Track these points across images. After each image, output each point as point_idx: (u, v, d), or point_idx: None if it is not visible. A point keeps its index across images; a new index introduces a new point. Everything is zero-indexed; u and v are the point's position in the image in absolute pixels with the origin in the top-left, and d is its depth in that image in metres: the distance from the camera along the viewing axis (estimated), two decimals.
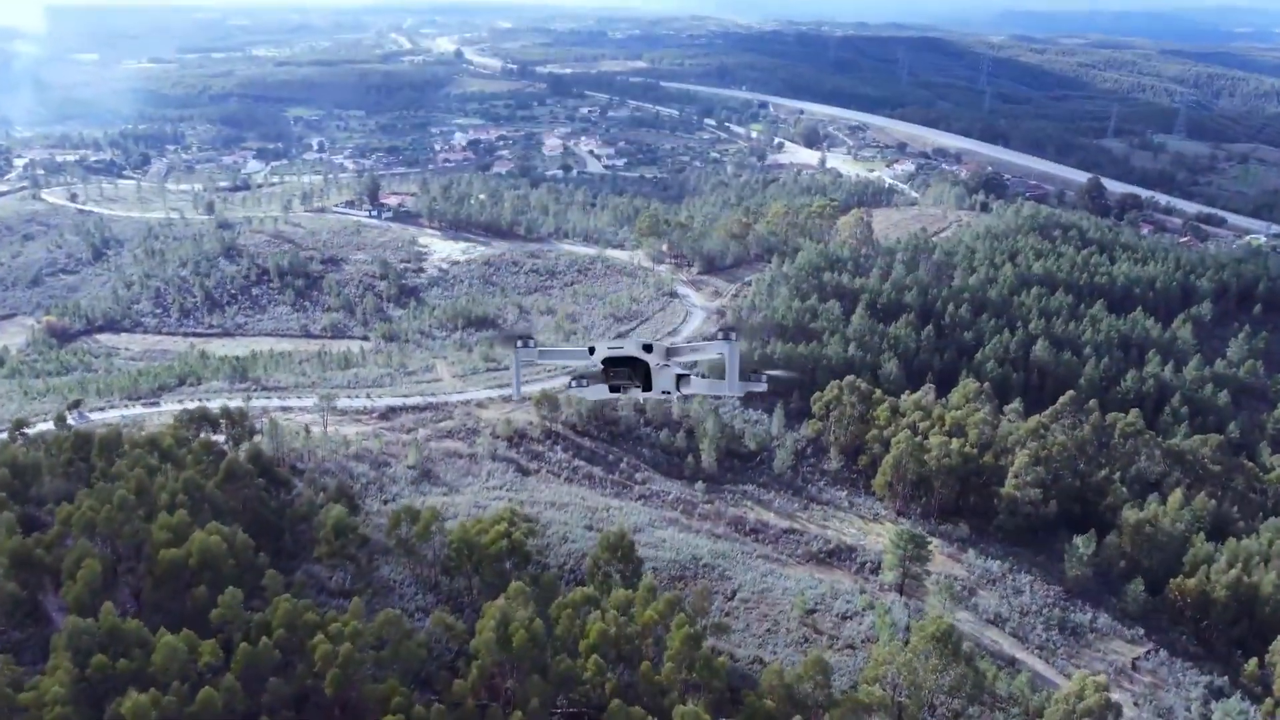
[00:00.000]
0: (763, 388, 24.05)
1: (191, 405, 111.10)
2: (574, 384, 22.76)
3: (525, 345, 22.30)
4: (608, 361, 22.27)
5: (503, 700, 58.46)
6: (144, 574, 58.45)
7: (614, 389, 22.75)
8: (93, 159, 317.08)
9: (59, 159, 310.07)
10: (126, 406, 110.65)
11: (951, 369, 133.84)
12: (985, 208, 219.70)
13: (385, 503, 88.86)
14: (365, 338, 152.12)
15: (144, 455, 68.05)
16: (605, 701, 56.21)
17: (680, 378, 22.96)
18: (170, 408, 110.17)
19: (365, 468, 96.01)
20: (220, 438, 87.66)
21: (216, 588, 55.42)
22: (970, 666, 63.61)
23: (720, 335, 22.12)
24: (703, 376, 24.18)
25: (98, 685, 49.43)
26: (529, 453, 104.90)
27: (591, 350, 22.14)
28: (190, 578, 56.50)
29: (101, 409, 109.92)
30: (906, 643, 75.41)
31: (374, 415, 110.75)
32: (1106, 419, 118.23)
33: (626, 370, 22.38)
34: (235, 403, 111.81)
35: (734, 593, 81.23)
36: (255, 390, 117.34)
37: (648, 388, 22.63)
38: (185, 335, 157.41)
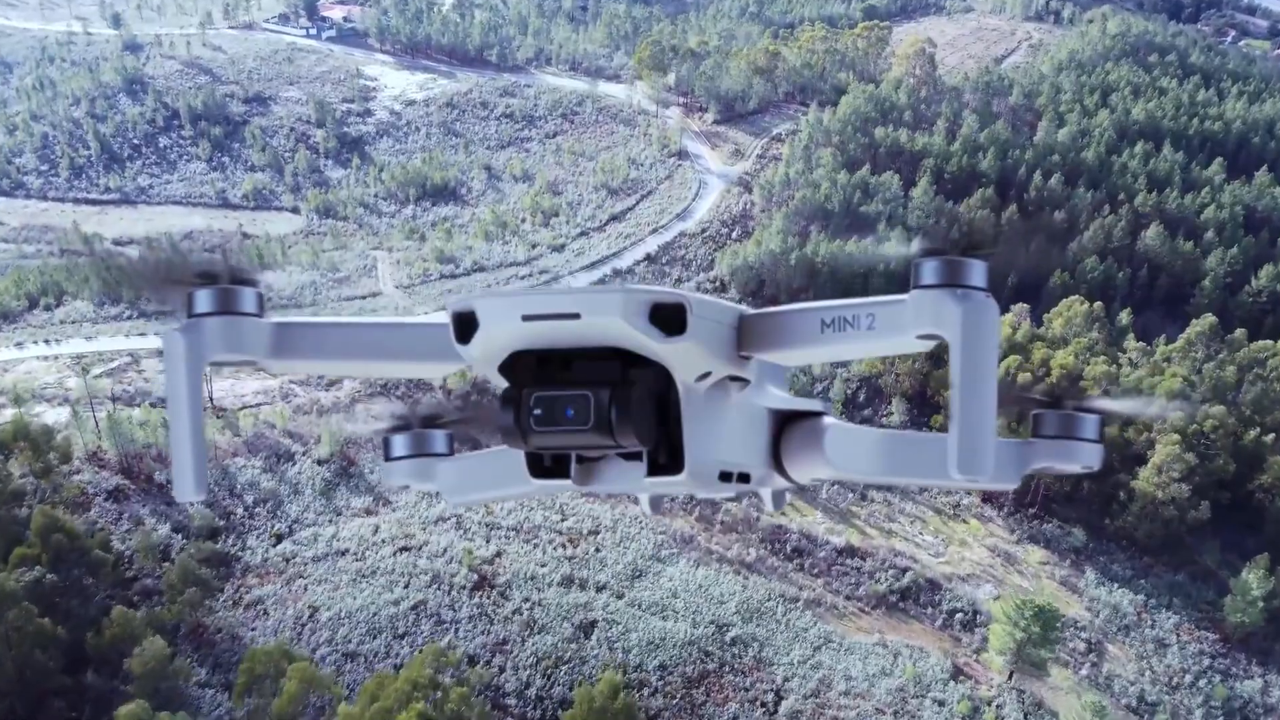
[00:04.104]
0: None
1: (39, 347, 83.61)
2: (390, 452, 3.00)
3: (206, 309, 2.39)
4: (513, 368, 2.16)
5: None
6: None
7: (540, 467, 2.37)
8: None
9: None
10: None
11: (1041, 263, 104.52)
12: (1058, 18, 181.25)
13: (277, 540, 62.67)
14: (295, 209, 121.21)
15: None
16: None
17: (793, 421, 2.70)
18: (6, 354, 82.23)
19: (257, 469, 68.97)
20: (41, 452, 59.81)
21: None
22: None
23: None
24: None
25: None
26: None
27: (465, 325, 2.15)
28: None
29: None
30: None
31: None
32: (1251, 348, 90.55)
33: (582, 401, 2.19)
34: (101, 344, 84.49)
35: (778, 697, 56.25)
36: (132, 317, 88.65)
37: (669, 461, 2.36)
38: (76, 202, 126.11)
